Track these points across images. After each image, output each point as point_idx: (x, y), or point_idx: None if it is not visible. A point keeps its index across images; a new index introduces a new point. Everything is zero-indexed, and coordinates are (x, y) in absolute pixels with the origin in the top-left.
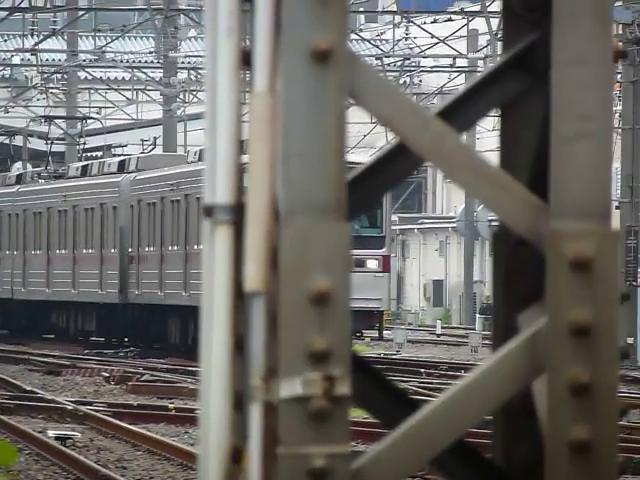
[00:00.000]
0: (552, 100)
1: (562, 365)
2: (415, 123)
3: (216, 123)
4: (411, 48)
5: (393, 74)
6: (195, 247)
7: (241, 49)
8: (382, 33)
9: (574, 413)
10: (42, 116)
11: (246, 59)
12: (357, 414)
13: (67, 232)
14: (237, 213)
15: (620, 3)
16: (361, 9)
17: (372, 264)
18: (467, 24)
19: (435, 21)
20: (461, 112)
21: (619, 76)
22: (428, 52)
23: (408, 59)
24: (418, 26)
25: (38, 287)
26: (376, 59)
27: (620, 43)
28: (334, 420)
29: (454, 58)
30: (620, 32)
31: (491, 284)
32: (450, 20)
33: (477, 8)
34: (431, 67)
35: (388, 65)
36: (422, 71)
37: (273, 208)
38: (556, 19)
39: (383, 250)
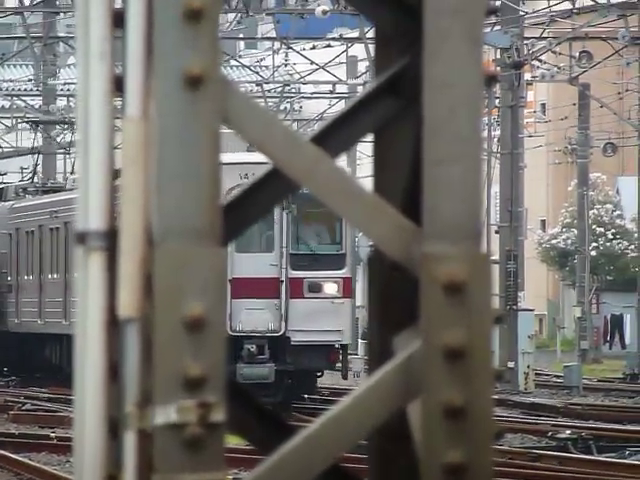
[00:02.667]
0: (424, 124)
1: (436, 388)
2: (289, 148)
3: (88, 149)
4: (291, 74)
5: (273, 100)
6: (75, 275)
7: (114, 75)
8: (262, 59)
9: (449, 436)
10: None
11: (119, 85)
12: (238, 441)
13: None
14: (110, 239)
15: (498, 27)
16: (240, 35)
17: (330, 289)
18: (346, 50)
19: (314, 47)
20: (335, 137)
21: (497, 101)
22: (308, 78)
23: (288, 85)
24: (297, 52)
25: None
26: (256, 85)
27: (498, 68)
28: (209, 447)
29: (334, 84)
30: (498, 57)
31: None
32: (329, 46)
33: (356, 34)
34: (311, 93)
35: (268, 91)
36: (302, 97)
37: (147, 234)
38: (427, 43)
39: (343, 271)
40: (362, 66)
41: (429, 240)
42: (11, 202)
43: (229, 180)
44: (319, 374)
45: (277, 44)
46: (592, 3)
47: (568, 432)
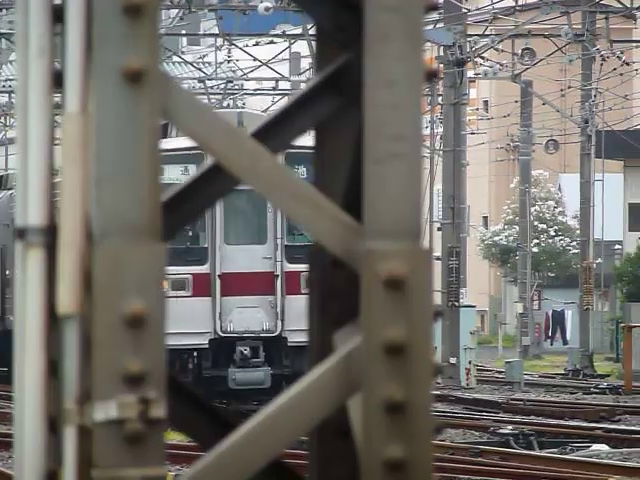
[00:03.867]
0: (364, 121)
1: (376, 383)
2: (230, 144)
3: (28, 145)
4: (234, 71)
5: (216, 97)
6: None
7: (53, 70)
8: (204, 56)
9: (389, 431)
10: None
11: (58, 80)
12: (181, 437)
13: None
14: (50, 235)
15: (441, 25)
16: (183, 32)
17: None
18: (289, 47)
19: (257, 44)
20: (275, 133)
21: (439, 98)
22: (251, 75)
23: (231, 82)
24: (240, 49)
25: None
26: (199, 82)
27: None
28: (149, 443)
29: (277, 81)
30: (441, 54)
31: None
32: (272, 43)
33: (299, 31)
34: (254, 90)
35: (211, 88)
36: (245, 94)
37: (86, 230)
38: (367, 40)
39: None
40: (305, 63)
41: (370, 237)
42: (12, 190)
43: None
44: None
45: (220, 40)
46: (535, 0)
47: (510, 428)
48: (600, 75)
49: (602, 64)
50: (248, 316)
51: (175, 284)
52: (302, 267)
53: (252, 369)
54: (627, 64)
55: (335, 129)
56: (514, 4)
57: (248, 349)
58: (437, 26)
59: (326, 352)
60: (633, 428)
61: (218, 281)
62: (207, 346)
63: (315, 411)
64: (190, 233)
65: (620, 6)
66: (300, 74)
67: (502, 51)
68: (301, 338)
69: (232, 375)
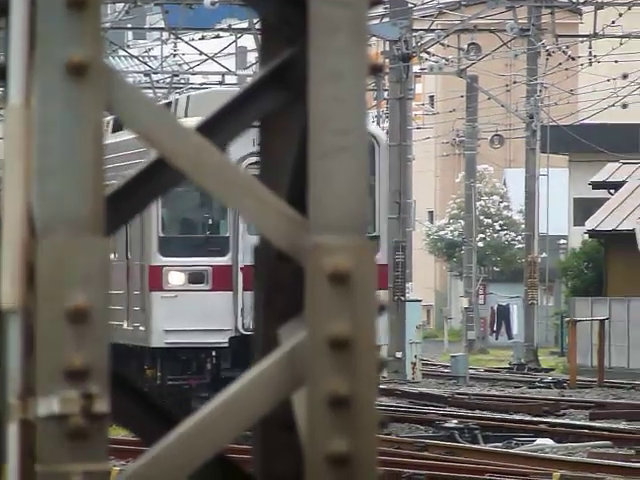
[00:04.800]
0: (309, 115)
1: (321, 378)
2: (174, 138)
3: None
4: (180, 65)
5: (162, 91)
6: None
7: None
8: (150, 50)
9: (333, 426)
10: None
11: (2, 74)
12: (126, 433)
13: None
14: None
15: (387, 19)
16: (129, 25)
17: None
18: (235, 41)
19: (203, 38)
20: (220, 127)
21: (385, 93)
22: (197, 69)
23: (177, 76)
24: (186, 43)
25: None
26: (145, 75)
27: (386, 60)
28: (92, 438)
29: (223, 75)
30: (387, 49)
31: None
32: (218, 37)
33: (245, 25)
34: (200, 84)
35: (157, 82)
36: (191, 88)
37: (29, 223)
38: (311, 34)
39: (377, 257)
40: (252, 57)
41: (315, 231)
42: None
43: (241, 147)
44: None
45: (166, 34)
46: None
47: (455, 422)
48: (545, 70)
49: (547, 59)
50: None
51: (193, 277)
52: None
53: None
54: (572, 59)
55: (280, 124)
56: None
57: None
58: (383, 21)
59: (272, 346)
60: (577, 422)
61: (240, 274)
62: (227, 345)
63: (259, 405)
64: (210, 221)
65: (566, 1)
66: (246, 68)
67: (448, 46)
68: None
69: None
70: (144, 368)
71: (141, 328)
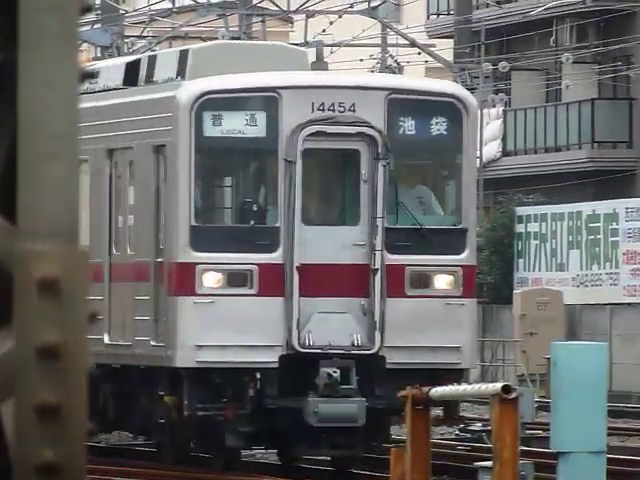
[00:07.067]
0: (19, 121)
1: (29, 388)
2: None
3: None
4: None
5: None
6: None
7: None
8: None
9: (42, 436)
10: None
11: None
12: None
13: None
14: None
15: (99, 26)
16: None
17: (443, 282)
18: None
19: None
20: None
21: None
22: None
23: None
24: None
25: None
26: None
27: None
28: None
29: None
30: (99, 55)
31: None
32: None
33: None
34: None
35: None
36: None
37: None
38: (22, 40)
39: (463, 256)
40: None
41: (24, 238)
42: None
43: (298, 114)
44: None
45: None
46: (192, 2)
47: None
48: None
49: None
50: (334, 325)
51: (233, 278)
52: (408, 259)
53: (342, 399)
54: None
55: None
56: (171, 6)
57: (338, 371)
58: (94, 27)
59: None
60: None
61: (296, 275)
62: (276, 365)
63: None
64: (255, 207)
65: (276, 9)
66: None
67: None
68: (404, 359)
69: (313, 407)
70: (160, 396)
71: (154, 343)
